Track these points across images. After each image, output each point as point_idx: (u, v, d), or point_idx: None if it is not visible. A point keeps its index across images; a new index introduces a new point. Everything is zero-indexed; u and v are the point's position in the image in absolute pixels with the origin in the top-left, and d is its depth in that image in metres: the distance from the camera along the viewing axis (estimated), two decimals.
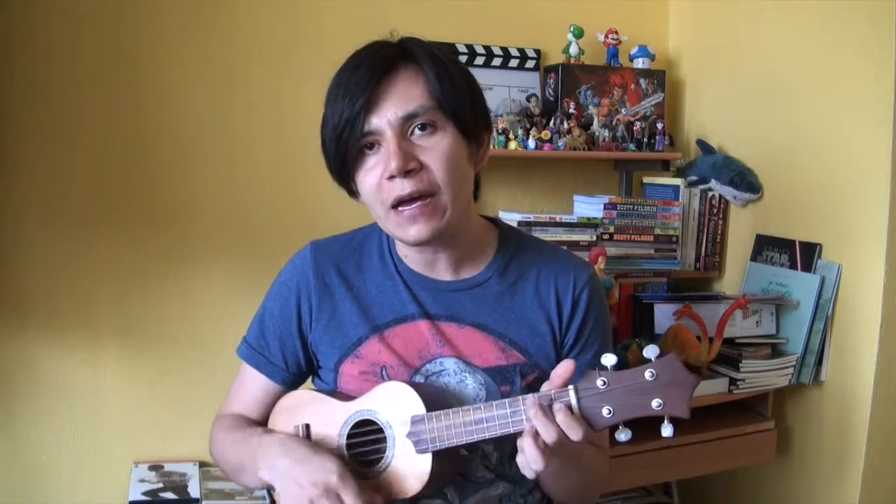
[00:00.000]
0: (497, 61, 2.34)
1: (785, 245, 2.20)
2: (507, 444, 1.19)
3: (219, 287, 2.13)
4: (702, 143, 2.43)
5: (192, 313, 2.12)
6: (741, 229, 2.39)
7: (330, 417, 1.18)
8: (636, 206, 2.31)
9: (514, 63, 2.37)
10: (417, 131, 1.12)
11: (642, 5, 2.57)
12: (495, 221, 1.31)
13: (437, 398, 1.15)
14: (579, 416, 1.01)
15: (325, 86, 1.17)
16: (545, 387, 1.05)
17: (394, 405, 1.13)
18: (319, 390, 1.27)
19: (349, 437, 1.16)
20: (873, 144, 1.94)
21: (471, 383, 1.19)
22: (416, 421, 1.10)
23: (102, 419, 2.07)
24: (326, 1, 2.17)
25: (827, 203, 2.08)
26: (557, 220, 2.20)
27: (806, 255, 2.13)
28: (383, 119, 1.10)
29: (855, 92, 1.99)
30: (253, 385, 1.30)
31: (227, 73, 2.10)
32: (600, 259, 2.11)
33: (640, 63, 2.45)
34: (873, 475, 2.01)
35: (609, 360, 1.01)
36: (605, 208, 2.27)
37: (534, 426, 1.01)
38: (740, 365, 2.06)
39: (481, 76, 1.23)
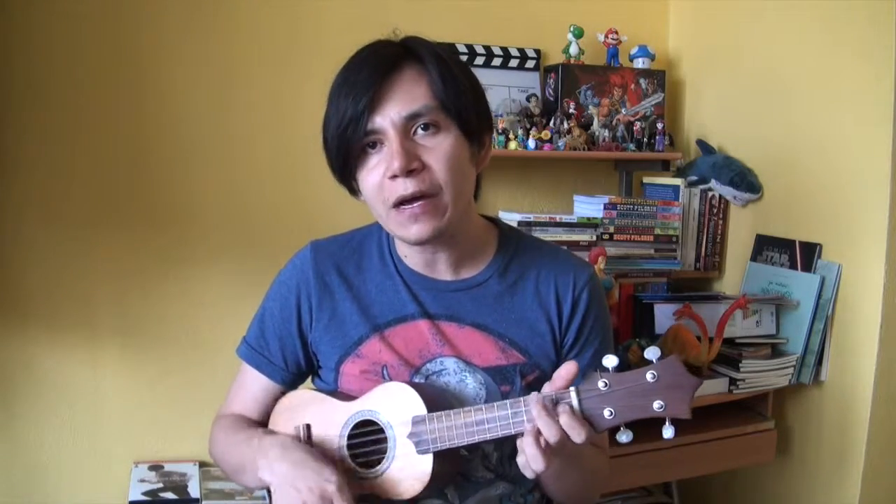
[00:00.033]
0: (497, 61, 2.34)
1: (785, 245, 2.20)
2: (507, 445, 1.19)
3: (219, 287, 2.13)
4: (702, 143, 2.43)
5: (192, 313, 2.12)
6: (741, 229, 2.39)
7: (330, 417, 1.18)
8: (636, 206, 2.31)
9: (514, 63, 2.37)
10: (420, 131, 1.12)
11: (642, 5, 2.57)
12: (495, 221, 1.31)
13: (437, 398, 1.15)
14: (581, 417, 1.01)
15: (326, 86, 1.17)
16: (546, 388, 1.05)
17: (395, 405, 1.13)
18: (320, 390, 1.26)
19: (350, 437, 1.16)
20: (873, 144, 1.94)
21: (471, 383, 1.19)
22: (417, 421, 1.10)
23: (102, 419, 2.07)
24: (326, 1, 2.17)
25: (827, 203, 2.08)
26: (557, 220, 2.20)
27: (806, 255, 2.13)
28: (386, 118, 1.10)
29: (855, 92, 1.99)
30: (253, 385, 1.30)
31: (227, 73, 2.10)
32: (600, 259, 2.11)
33: (640, 63, 2.45)
34: (873, 475, 2.01)
35: (610, 361, 1.01)
36: (605, 208, 2.27)
37: (535, 426, 1.01)
38: (740, 365, 2.06)
39: (481, 76, 1.23)
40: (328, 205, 2.05)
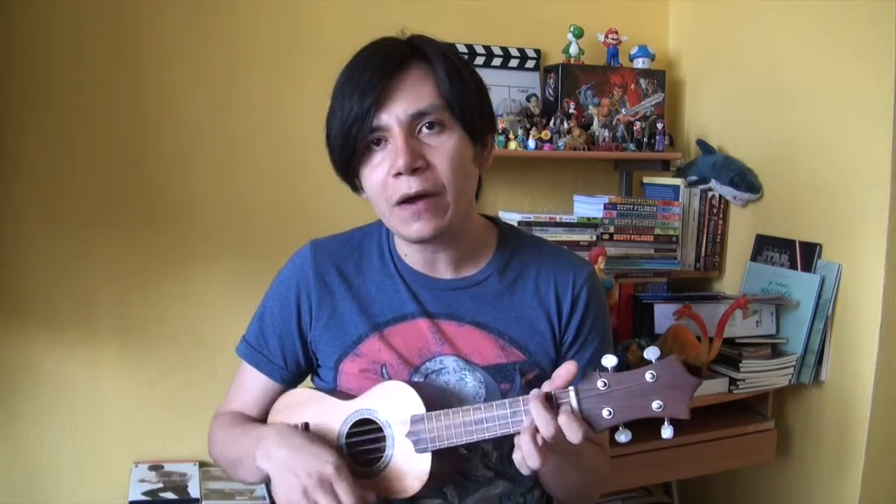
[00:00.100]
0: (497, 61, 2.34)
1: (785, 245, 2.20)
2: (506, 443, 1.18)
3: (219, 287, 2.13)
4: (702, 143, 2.43)
5: (192, 313, 2.12)
6: (741, 229, 2.39)
7: (329, 416, 1.18)
8: (636, 206, 2.31)
9: (514, 63, 2.37)
10: (425, 130, 1.12)
11: (642, 5, 2.57)
12: (495, 220, 1.31)
13: (436, 397, 1.15)
14: (580, 417, 1.01)
15: (326, 86, 1.17)
16: (546, 387, 1.05)
17: (393, 404, 1.13)
18: (319, 389, 1.27)
19: (348, 435, 1.16)
20: (873, 144, 1.94)
21: (470, 381, 1.19)
22: (415, 420, 1.11)
23: (102, 419, 2.07)
24: (326, 1, 2.17)
25: (827, 203, 2.08)
26: (557, 220, 2.20)
27: (806, 255, 2.13)
28: (392, 116, 1.10)
29: (855, 92, 1.99)
30: (252, 384, 1.30)
31: (227, 73, 2.10)
32: (600, 259, 2.11)
33: (640, 63, 2.45)
34: (873, 475, 2.01)
35: (610, 361, 1.01)
36: (605, 208, 2.27)
37: (532, 423, 1.01)
38: (740, 365, 2.06)
39: (481, 76, 1.23)
40: (328, 205, 2.05)
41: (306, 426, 1.17)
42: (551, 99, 2.36)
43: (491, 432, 1.07)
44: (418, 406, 1.11)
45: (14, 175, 1.95)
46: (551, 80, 2.37)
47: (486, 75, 1.21)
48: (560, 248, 1.32)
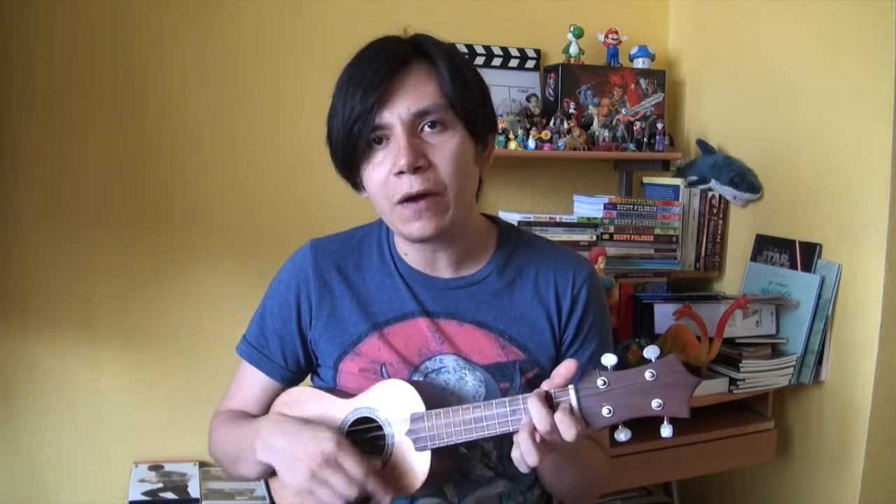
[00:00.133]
0: (497, 61, 2.35)
1: (785, 245, 2.20)
2: (506, 443, 1.18)
3: (219, 287, 2.13)
4: (702, 143, 2.43)
5: (193, 313, 2.12)
6: (741, 229, 2.39)
7: (329, 414, 1.18)
8: (636, 206, 2.31)
9: (514, 63, 2.37)
10: (427, 129, 1.12)
11: (642, 5, 2.57)
12: (495, 220, 1.31)
13: (436, 396, 1.15)
14: (579, 415, 1.01)
15: (326, 86, 1.17)
16: (545, 385, 1.05)
17: (393, 403, 1.13)
18: (319, 388, 1.27)
19: (348, 434, 1.16)
20: (873, 144, 1.94)
21: (470, 380, 1.19)
22: (415, 419, 1.11)
23: (102, 419, 2.07)
24: (326, 1, 2.17)
25: (827, 203, 2.08)
26: (557, 220, 2.20)
27: (806, 255, 2.13)
28: (394, 114, 1.10)
29: (855, 92, 1.99)
30: (252, 383, 1.30)
31: (227, 73, 2.10)
32: (600, 259, 2.11)
33: (640, 63, 2.45)
34: (873, 475, 2.01)
35: (609, 360, 1.01)
36: (605, 208, 2.27)
37: (531, 419, 1.01)
38: (740, 365, 2.06)
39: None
40: (328, 205, 2.06)
41: None
42: (551, 99, 2.36)
43: (491, 431, 1.07)
44: (418, 404, 1.11)
45: (14, 175, 1.95)
46: (551, 80, 2.37)
47: (486, 75, 1.21)
48: (560, 247, 1.32)
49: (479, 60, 2.30)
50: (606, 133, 2.32)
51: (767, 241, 2.27)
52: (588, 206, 2.33)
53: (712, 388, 2.06)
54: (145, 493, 1.92)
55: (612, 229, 2.28)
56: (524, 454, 1.02)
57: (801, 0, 2.14)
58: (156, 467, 2.07)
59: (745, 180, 2.28)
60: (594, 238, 2.22)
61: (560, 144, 2.25)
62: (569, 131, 2.26)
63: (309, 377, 1.33)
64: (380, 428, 1.14)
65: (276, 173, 2.17)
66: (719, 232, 2.43)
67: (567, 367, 1.04)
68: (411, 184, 1.10)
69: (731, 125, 2.41)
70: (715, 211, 2.41)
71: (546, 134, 2.25)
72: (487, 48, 2.32)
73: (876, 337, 1.96)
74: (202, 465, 2.08)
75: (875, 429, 1.99)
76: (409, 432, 1.11)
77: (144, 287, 2.07)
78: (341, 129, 1.12)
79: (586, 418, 1.01)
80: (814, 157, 2.11)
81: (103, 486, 2.07)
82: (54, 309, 2.00)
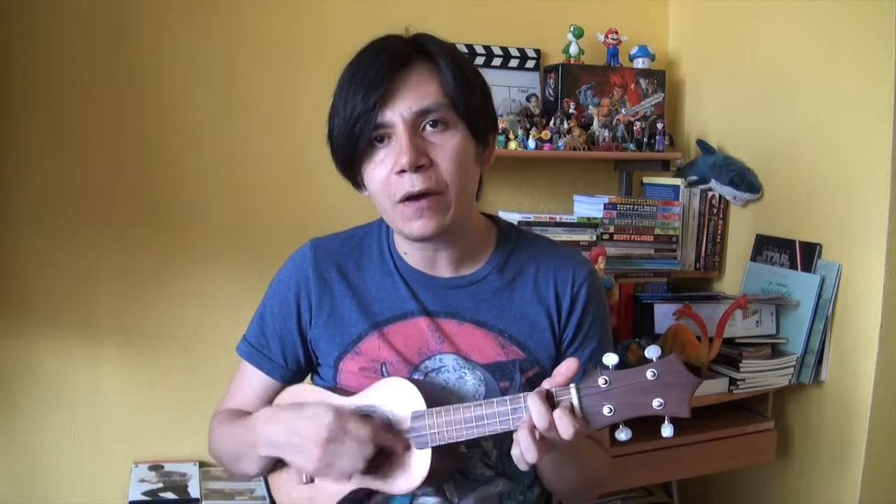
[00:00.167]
0: (497, 61, 2.35)
1: (785, 245, 2.20)
2: (506, 442, 1.18)
3: (219, 287, 2.13)
4: (702, 143, 2.43)
5: (193, 313, 2.12)
6: (741, 229, 2.39)
7: None
8: (636, 206, 2.31)
9: (514, 63, 2.37)
10: (429, 128, 1.12)
11: (642, 5, 2.57)
12: (494, 219, 1.31)
13: (436, 395, 1.15)
14: (580, 414, 1.01)
15: (326, 85, 1.17)
16: (546, 384, 1.05)
17: (394, 400, 1.13)
18: (320, 386, 1.27)
19: None
20: (873, 144, 1.94)
21: (470, 380, 1.19)
22: (416, 417, 1.10)
23: (102, 419, 2.07)
24: (326, 1, 2.17)
25: (827, 203, 2.08)
26: (557, 220, 2.20)
27: (806, 255, 2.13)
28: (396, 113, 1.10)
29: (855, 92, 1.99)
30: (252, 382, 1.30)
31: (227, 73, 2.10)
32: (600, 259, 2.11)
33: (640, 63, 2.45)
34: (873, 475, 2.01)
35: (610, 359, 1.01)
36: (605, 208, 2.27)
37: (531, 417, 1.01)
38: (740, 365, 2.06)
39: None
40: (328, 204, 2.06)
41: (311, 480, 1.17)
42: (551, 99, 2.36)
43: (491, 429, 1.07)
44: (419, 402, 1.11)
45: (14, 175, 1.95)
46: (551, 80, 2.37)
47: (486, 75, 1.22)
48: (559, 246, 1.32)
49: (479, 60, 2.30)
50: (606, 133, 2.32)
51: (767, 241, 2.27)
52: (588, 206, 2.33)
53: (712, 388, 2.06)
54: (145, 493, 1.92)
55: (612, 229, 2.28)
56: (523, 451, 1.02)
57: (801, 0, 2.15)
58: (156, 467, 2.07)
59: (745, 180, 2.28)
60: (594, 238, 2.23)
61: (560, 144, 2.25)
62: (569, 131, 2.27)
63: (309, 377, 1.33)
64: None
65: (276, 173, 2.17)
66: (719, 232, 2.43)
67: (568, 366, 1.04)
68: (413, 182, 1.10)
69: (731, 125, 2.41)
70: (715, 211, 2.41)
71: (546, 134, 2.25)
72: (487, 48, 2.32)
73: (876, 337, 1.96)
74: (202, 465, 2.08)
75: (875, 429, 1.99)
76: (410, 430, 1.11)
77: (144, 287, 2.07)
78: (343, 127, 1.12)
79: (587, 417, 1.01)
80: (814, 157, 2.12)
81: (103, 486, 2.07)
82: (54, 309, 2.00)
